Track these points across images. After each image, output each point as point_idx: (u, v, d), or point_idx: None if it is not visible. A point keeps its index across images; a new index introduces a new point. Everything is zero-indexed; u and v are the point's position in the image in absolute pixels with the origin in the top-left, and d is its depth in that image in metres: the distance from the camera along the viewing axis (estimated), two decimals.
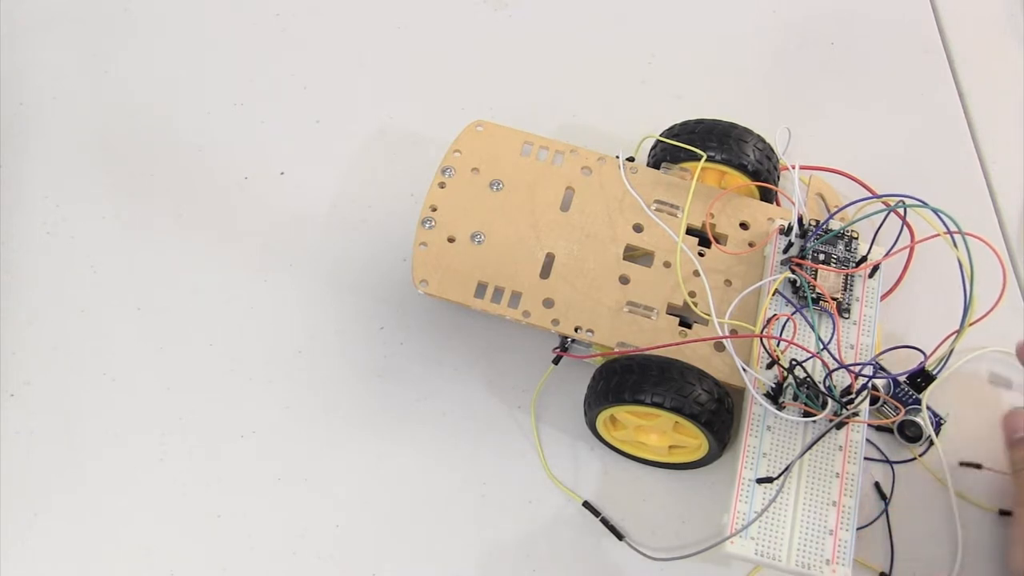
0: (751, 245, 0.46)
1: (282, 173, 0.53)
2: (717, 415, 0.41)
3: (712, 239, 0.45)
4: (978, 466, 0.45)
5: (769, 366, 0.42)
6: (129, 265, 0.50)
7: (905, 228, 0.43)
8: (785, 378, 0.40)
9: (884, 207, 0.43)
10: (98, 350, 0.48)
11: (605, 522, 0.44)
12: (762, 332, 0.41)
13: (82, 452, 0.45)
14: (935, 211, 0.40)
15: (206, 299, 0.49)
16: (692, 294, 0.44)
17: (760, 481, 0.40)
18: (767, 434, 0.41)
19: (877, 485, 0.44)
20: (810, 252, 0.44)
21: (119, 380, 0.47)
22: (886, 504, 0.43)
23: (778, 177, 0.48)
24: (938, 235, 0.40)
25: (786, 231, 0.45)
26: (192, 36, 0.57)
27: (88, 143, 0.53)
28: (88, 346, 0.48)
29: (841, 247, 0.45)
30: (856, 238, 0.45)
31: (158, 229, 0.51)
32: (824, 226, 0.44)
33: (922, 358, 0.41)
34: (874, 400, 0.43)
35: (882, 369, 0.44)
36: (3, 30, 0.57)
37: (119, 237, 0.51)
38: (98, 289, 0.49)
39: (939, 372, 0.44)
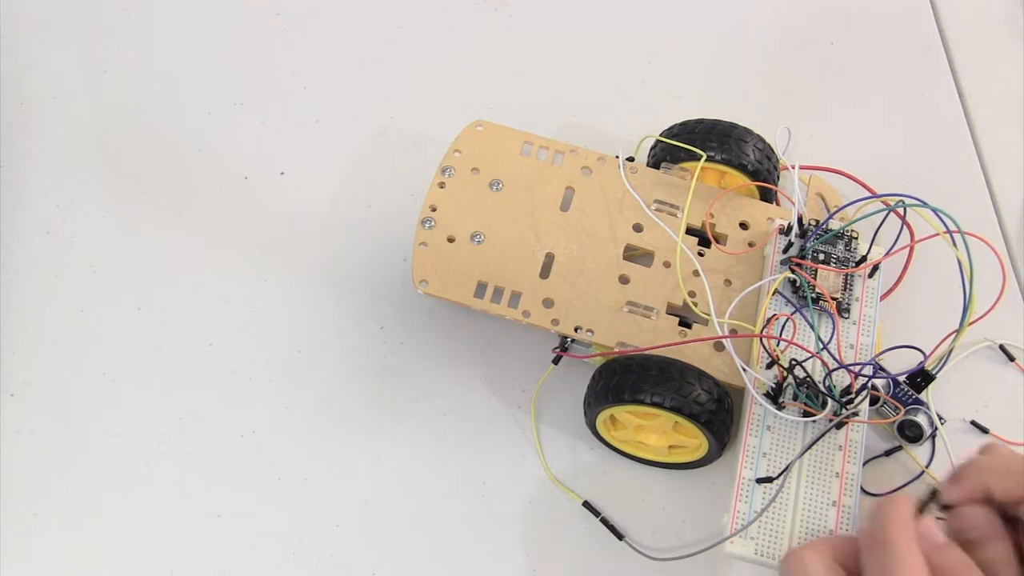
0: (751, 245, 0.46)
1: (282, 173, 0.53)
2: (717, 415, 0.41)
3: (712, 239, 0.45)
4: (986, 430, 0.45)
5: (769, 366, 0.42)
6: (129, 265, 0.50)
7: (905, 228, 0.43)
8: (785, 378, 0.40)
9: (884, 207, 0.43)
10: (98, 350, 0.48)
11: (605, 522, 0.44)
12: (762, 332, 0.41)
13: (82, 452, 0.45)
14: (935, 211, 0.40)
15: (206, 299, 0.49)
16: (692, 294, 0.44)
17: (760, 481, 0.40)
18: (767, 434, 0.41)
19: None
20: (810, 252, 0.44)
21: (119, 380, 0.47)
22: None
23: (778, 177, 0.48)
24: (938, 235, 0.40)
25: (786, 231, 0.45)
26: (192, 36, 0.57)
27: (88, 143, 0.53)
28: (88, 346, 0.48)
29: (841, 247, 0.45)
30: (856, 238, 0.45)
31: (158, 229, 0.51)
32: (824, 226, 0.44)
33: (922, 358, 0.41)
34: (874, 400, 0.43)
35: (882, 369, 0.44)
36: (3, 30, 0.57)
37: (119, 237, 0.51)
38: (98, 289, 0.49)
39: (938, 372, 0.44)
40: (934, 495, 0.34)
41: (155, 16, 0.58)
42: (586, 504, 0.44)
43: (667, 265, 0.45)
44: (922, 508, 0.34)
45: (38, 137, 0.53)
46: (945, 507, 0.34)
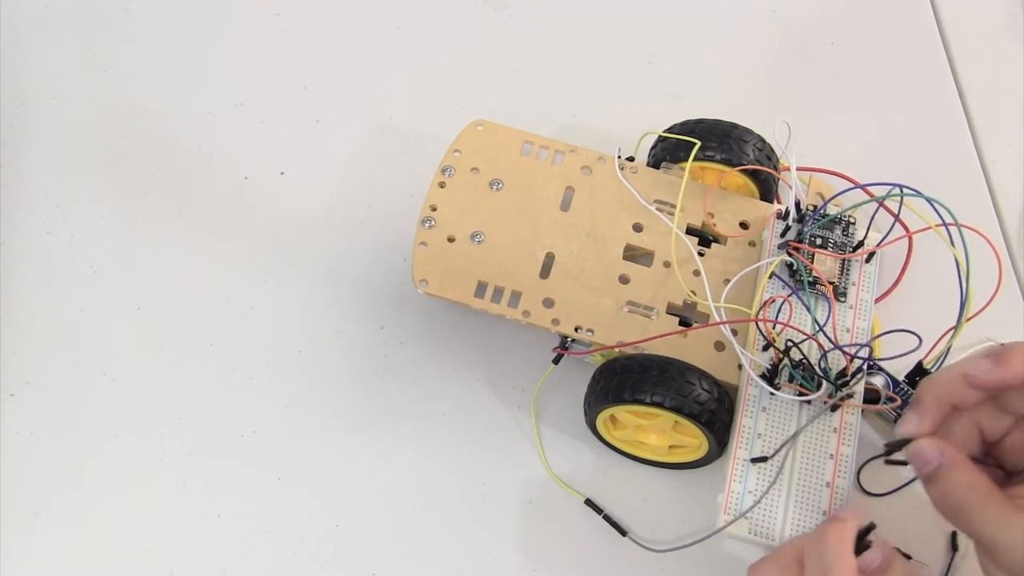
0: (752, 244, 0.46)
1: (282, 173, 0.53)
2: (717, 415, 0.41)
3: (711, 238, 0.45)
4: None
5: (765, 348, 0.42)
6: (129, 265, 0.50)
7: (900, 220, 0.43)
8: (781, 359, 0.40)
9: (880, 199, 0.43)
10: (98, 350, 0.48)
11: (608, 519, 0.44)
12: (758, 314, 0.41)
13: (82, 452, 0.45)
14: (929, 200, 0.40)
15: (206, 299, 0.49)
16: (692, 293, 0.44)
17: (755, 461, 0.40)
18: (762, 415, 0.41)
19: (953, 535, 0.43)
20: (807, 236, 0.44)
21: (119, 380, 0.47)
22: (953, 554, 0.43)
23: (778, 180, 0.48)
24: (933, 227, 0.40)
25: (783, 215, 0.45)
26: (192, 36, 0.57)
27: (88, 143, 0.53)
28: (88, 346, 0.48)
29: (838, 232, 0.45)
30: (853, 223, 0.45)
31: (158, 229, 0.51)
32: (822, 211, 0.44)
33: (917, 343, 0.40)
34: (875, 399, 0.43)
35: (880, 369, 0.44)
36: (3, 30, 0.57)
37: (119, 237, 0.51)
38: (98, 289, 0.49)
39: (937, 370, 0.44)
40: (870, 530, 0.36)
41: (155, 16, 0.58)
42: (588, 502, 0.44)
43: (667, 265, 0.45)
44: (861, 539, 0.35)
45: (38, 137, 0.53)
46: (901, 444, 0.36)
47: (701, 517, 0.44)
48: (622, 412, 0.42)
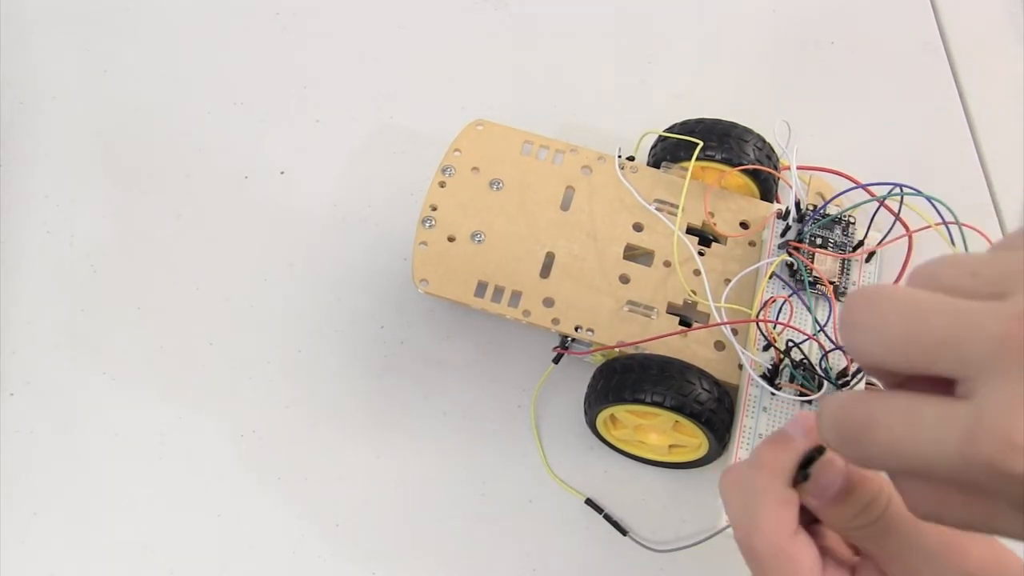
0: (752, 244, 0.46)
1: (282, 173, 0.53)
2: (717, 414, 0.41)
3: (712, 237, 0.45)
4: None
5: (766, 348, 0.42)
6: (129, 265, 0.50)
7: (900, 219, 0.43)
8: (781, 360, 0.40)
9: (880, 200, 0.43)
10: (98, 350, 0.48)
11: (608, 518, 0.43)
12: (758, 314, 0.41)
13: (82, 452, 0.45)
14: (929, 199, 0.40)
15: (206, 299, 0.49)
16: (692, 293, 0.44)
17: None
18: (763, 415, 0.41)
19: None
20: (807, 236, 0.44)
21: (119, 380, 0.47)
22: None
23: (778, 179, 0.48)
24: (933, 226, 0.40)
25: (783, 215, 0.45)
26: (192, 35, 0.57)
27: (88, 143, 0.53)
28: (88, 346, 0.48)
29: (838, 232, 0.45)
30: (853, 223, 0.45)
31: (158, 229, 0.51)
32: (822, 210, 0.44)
33: None
34: None
35: None
36: (3, 30, 0.57)
37: (119, 237, 0.51)
38: (98, 289, 0.49)
39: None
40: (816, 455, 0.28)
41: (155, 16, 0.58)
42: (588, 502, 0.44)
43: (667, 264, 0.45)
44: (806, 466, 0.28)
45: (38, 137, 0.53)
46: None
47: (701, 517, 0.44)
48: (622, 412, 0.42)
